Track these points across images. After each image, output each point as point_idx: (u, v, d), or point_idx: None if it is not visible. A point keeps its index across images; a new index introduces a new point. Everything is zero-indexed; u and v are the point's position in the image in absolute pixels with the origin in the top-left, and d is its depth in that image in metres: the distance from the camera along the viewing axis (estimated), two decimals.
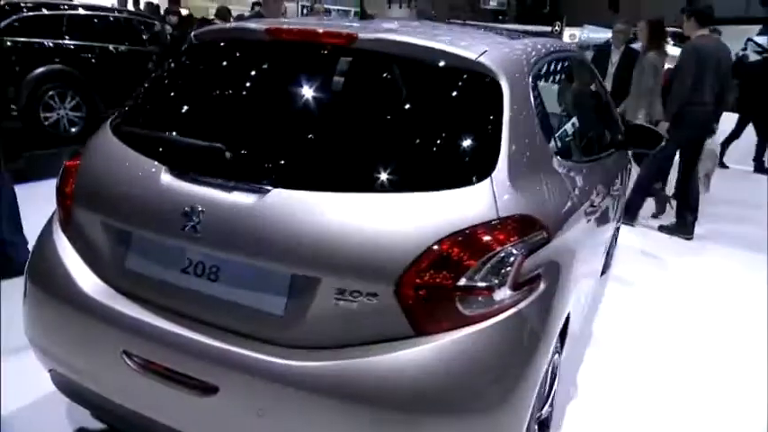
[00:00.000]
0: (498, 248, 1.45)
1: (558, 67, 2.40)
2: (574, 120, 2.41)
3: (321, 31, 1.82)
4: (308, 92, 1.73)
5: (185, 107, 1.89)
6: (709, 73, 4.68)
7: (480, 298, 1.44)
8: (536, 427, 1.92)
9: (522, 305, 1.51)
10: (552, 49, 2.25)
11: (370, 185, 1.49)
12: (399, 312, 1.42)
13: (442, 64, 1.71)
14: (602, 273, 3.81)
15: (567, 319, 2.00)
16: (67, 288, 1.73)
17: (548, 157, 1.83)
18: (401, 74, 1.71)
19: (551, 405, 2.11)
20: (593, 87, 3.01)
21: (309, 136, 1.65)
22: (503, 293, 1.47)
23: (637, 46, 5.99)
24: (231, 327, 1.54)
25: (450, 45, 1.74)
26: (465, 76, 1.69)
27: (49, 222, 1.94)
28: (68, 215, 1.84)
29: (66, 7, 7.14)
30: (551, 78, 2.29)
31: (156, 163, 1.68)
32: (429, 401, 1.41)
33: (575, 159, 2.20)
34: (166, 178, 1.64)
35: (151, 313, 1.62)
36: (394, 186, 1.49)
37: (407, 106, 1.69)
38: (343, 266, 1.44)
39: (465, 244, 1.43)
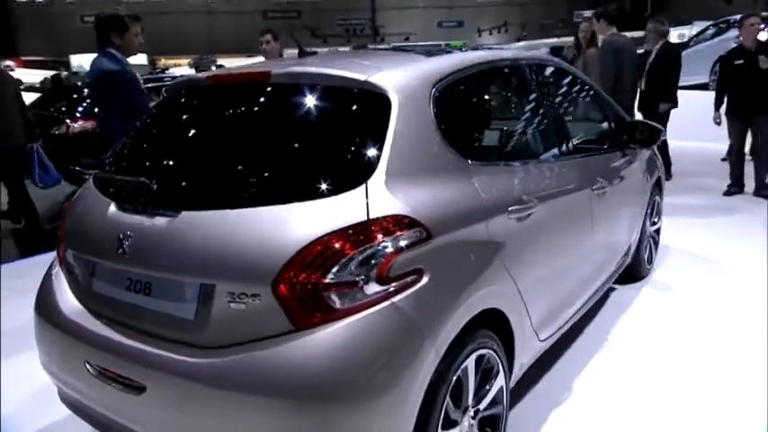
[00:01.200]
0: (362, 247, 1.60)
1: (497, 77, 2.52)
2: (522, 124, 2.49)
3: (244, 72, 2.10)
4: (218, 126, 2.01)
5: (136, 150, 2.21)
6: (627, 63, 5.97)
7: (348, 292, 1.58)
8: (473, 424, 1.99)
9: (397, 298, 1.62)
10: (481, 60, 2.36)
11: (255, 201, 1.71)
12: (279, 310, 1.59)
13: (337, 86, 1.91)
14: (626, 276, 3.70)
15: (500, 317, 2.06)
16: (56, 313, 2.07)
17: (448, 162, 1.93)
18: (303, 99, 1.93)
19: (502, 404, 2.14)
20: (563, 91, 3.03)
21: (210, 162, 1.91)
22: (372, 288, 1.60)
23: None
24: (159, 333, 1.79)
25: (347, 70, 1.94)
26: (356, 95, 1.88)
27: (53, 262, 2.32)
28: (61, 253, 2.21)
29: None
30: (484, 88, 2.41)
31: (106, 200, 2.01)
32: (308, 391, 1.55)
33: (510, 162, 2.28)
34: (111, 211, 1.96)
35: (105, 327, 1.92)
36: (275, 199, 1.68)
37: (299, 127, 1.90)
38: (229, 272, 1.65)
39: (331, 244, 1.59)
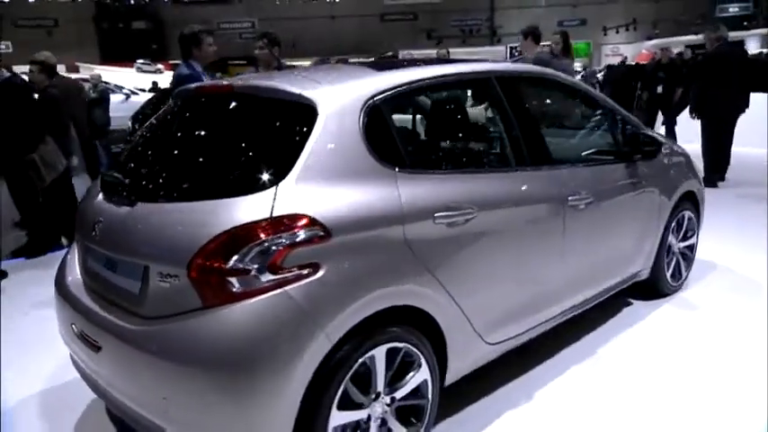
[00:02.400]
0: (260, 240, 1.85)
1: (448, 91, 2.66)
2: (472, 135, 2.59)
3: (215, 84, 2.43)
4: (177, 131, 2.35)
5: (129, 151, 2.61)
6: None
7: (245, 278, 1.84)
8: (388, 410, 2.17)
9: (290, 287, 1.86)
10: (433, 75, 2.51)
11: (186, 196, 2.03)
12: (192, 290, 1.89)
13: (278, 98, 2.19)
14: (646, 291, 3.62)
15: (425, 315, 2.22)
16: (64, 285, 2.51)
17: (370, 170, 2.11)
18: (247, 109, 2.24)
19: (427, 397, 2.29)
20: (546, 103, 3.06)
21: (162, 161, 2.27)
22: (266, 276, 1.85)
23: None
24: (119, 303, 2.15)
25: (290, 84, 2.21)
26: (289, 107, 2.14)
27: (72, 243, 2.79)
28: (75, 234, 2.67)
29: None
30: (429, 102, 2.55)
31: (99, 191, 2.42)
32: (206, 361, 1.83)
33: (448, 171, 2.42)
34: (97, 200, 2.37)
35: (88, 296, 2.32)
36: (201, 196, 1.99)
37: (235, 134, 2.20)
38: (159, 256, 1.97)
39: (235, 236, 1.85)
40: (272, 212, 1.89)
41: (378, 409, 2.15)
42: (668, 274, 3.82)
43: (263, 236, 1.86)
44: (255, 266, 1.84)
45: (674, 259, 3.87)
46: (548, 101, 3.69)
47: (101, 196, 2.38)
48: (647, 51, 25.84)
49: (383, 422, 2.18)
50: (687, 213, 3.88)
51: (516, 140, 2.71)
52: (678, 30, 31.20)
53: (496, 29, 36.34)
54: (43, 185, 5.18)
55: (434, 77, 2.53)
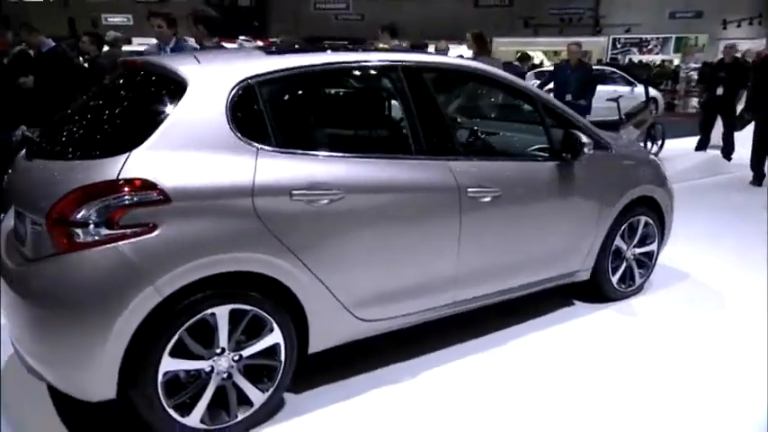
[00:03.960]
0: (101, 198, 2.11)
1: (336, 78, 2.85)
2: (355, 121, 2.75)
3: (128, 60, 2.74)
4: (87, 98, 2.66)
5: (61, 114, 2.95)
6: None
7: (86, 231, 2.11)
8: (235, 365, 2.39)
9: (123, 242, 2.11)
10: (322, 61, 2.67)
11: (61, 155, 2.35)
12: (48, 236, 2.20)
13: (163, 75, 2.45)
14: (592, 293, 3.60)
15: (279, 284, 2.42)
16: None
17: (228, 145, 2.31)
18: (136, 83, 2.52)
19: (279, 360, 2.49)
20: (461, 96, 3.10)
21: (61, 124, 2.57)
22: (104, 231, 2.11)
23: None
24: (21, 249, 2.50)
25: (176, 62, 2.47)
26: (167, 82, 2.39)
27: None
28: None
29: None
30: (310, 87, 2.76)
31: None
32: (52, 299, 2.15)
33: (317, 152, 2.56)
34: (19, 157, 2.73)
35: (11, 242, 2.71)
36: (68, 156, 2.31)
37: (117, 104, 2.50)
38: (31, 206, 2.29)
39: (82, 193, 2.12)
40: (118, 175, 2.15)
41: (223, 363, 2.37)
42: (614, 279, 3.75)
43: (105, 195, 2.12)
44: (95, 221, 2.12)
45: (625, 264, 3.79)
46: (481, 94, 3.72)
47: (23, 154, 2.75)
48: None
49: (229, 376, 2.40)
50: (643, 219, 3.78)
51: (412, 130, 2.81)
52: None
53: (600, 18, 34.68)
54: None
55: (325, 64, 2.69)
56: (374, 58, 2.88)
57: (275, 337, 2.47)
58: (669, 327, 3.52)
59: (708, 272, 4.36)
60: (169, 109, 2.30)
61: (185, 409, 2.32)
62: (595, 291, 3.76)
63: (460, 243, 2.94)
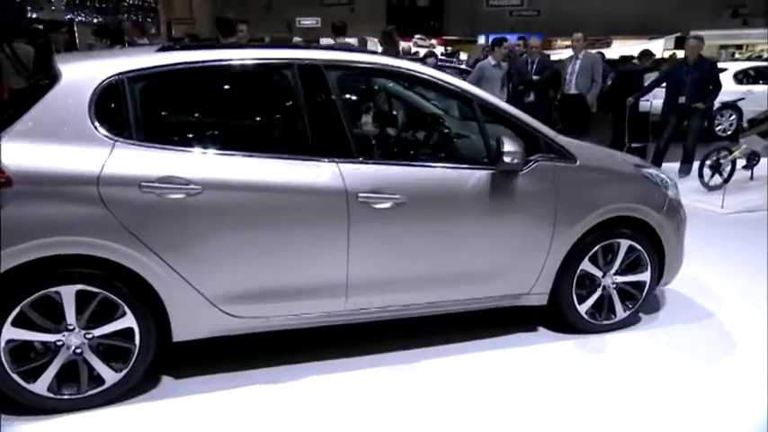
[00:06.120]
0: None
1: (213, 75, 2.81)
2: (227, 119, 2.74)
3: None
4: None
5: None
6: None
7: None
8: (86, 342, 2.55)
9: None
10: (202, 59, 2.70)
11: None
12: None
13: (57, 69, 2.62)
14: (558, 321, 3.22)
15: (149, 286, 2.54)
16: None
17: (84, 136, 2.45)
18: (48, 78, 2.73)
19: (134, 342, 2.59)
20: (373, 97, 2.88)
21: None
22: None
23: None
24: None
25: (75, 58, 2.69)
26: (52, 76, 2.59)
27: None
28: None
29: None
30: (184, 83, 2.75)
31: None
32: None
33: (178, 148, 2.59)
34: None
35: None
36: None
37: (21, 98, 2.74)
38: None
39: None
40: None
41: (74, 339, 2.54)
42: (582, 308, 3.25)
43: None
44: None
45: (599, 293, 3.27)
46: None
47: None
48: None
49: (82, 353, 2.56)
50: (625, 243, 3.22)
51: (298, 129, 2.73)
52: None
53: None
54: None
55: (204, 61, 2.72)
56: (266, 56, 2.84)
57: (128, 321, 2.58)
58: (633, 377, 2.95)
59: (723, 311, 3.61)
60: (36, 100, 2.51)
61: (33, 377, 2.52)
62: (560, 319, 3.31)
63: (351, 249, 2.78)
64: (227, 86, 2.85)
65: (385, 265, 2.89)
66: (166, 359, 2.85)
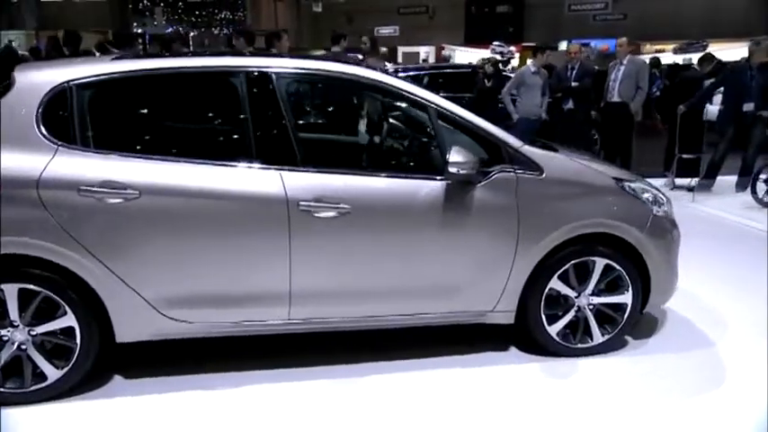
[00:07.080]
0: None
1: (164, 82, 2.81)
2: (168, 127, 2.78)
3: None
4: None
5: None
6: None
7: None
8: (30, 339, 2.64)
9: None
10: (151, 66, 2.75)
11: None
12: None
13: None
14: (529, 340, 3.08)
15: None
16: None
17: (29, 141, 2.54)
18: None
19: (76, 340, 2.65)
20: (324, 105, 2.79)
21: None
22: None
23: None
24: None
25: (26, 67, 2.82)
26: (9, 84, 2.72)
27: None
28: None
29: None
30: (132, 91, 2.80)
31: None
32: None
33: (121, 154, 2.63)
34: None
35: None
36: None
37: None
38: None
39: None
40: None
41: (18, 335, 2.64)
42: (553, 329, 3.02)
43: None
44: None
45: (572, 315, 3.03)
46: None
47: None
48: None
49: (25, 349, 2.65)
50: (601, 261, 2.97)
51: (241, 137, 2.71)
52: None
53: None
54: None
55: (153, 69, 2.76)
56: (214, 63, 2.85)
57: (69, 320, 2.65)
58: (597, 409, 2.69)
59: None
60: None
61: None
62: (531, 339, 3.09)
63: (293, 258, 2.73)
64: (173, 94, 2.87)
65: (329, 275, 2.81)
66: (125, 361, 2.95)
